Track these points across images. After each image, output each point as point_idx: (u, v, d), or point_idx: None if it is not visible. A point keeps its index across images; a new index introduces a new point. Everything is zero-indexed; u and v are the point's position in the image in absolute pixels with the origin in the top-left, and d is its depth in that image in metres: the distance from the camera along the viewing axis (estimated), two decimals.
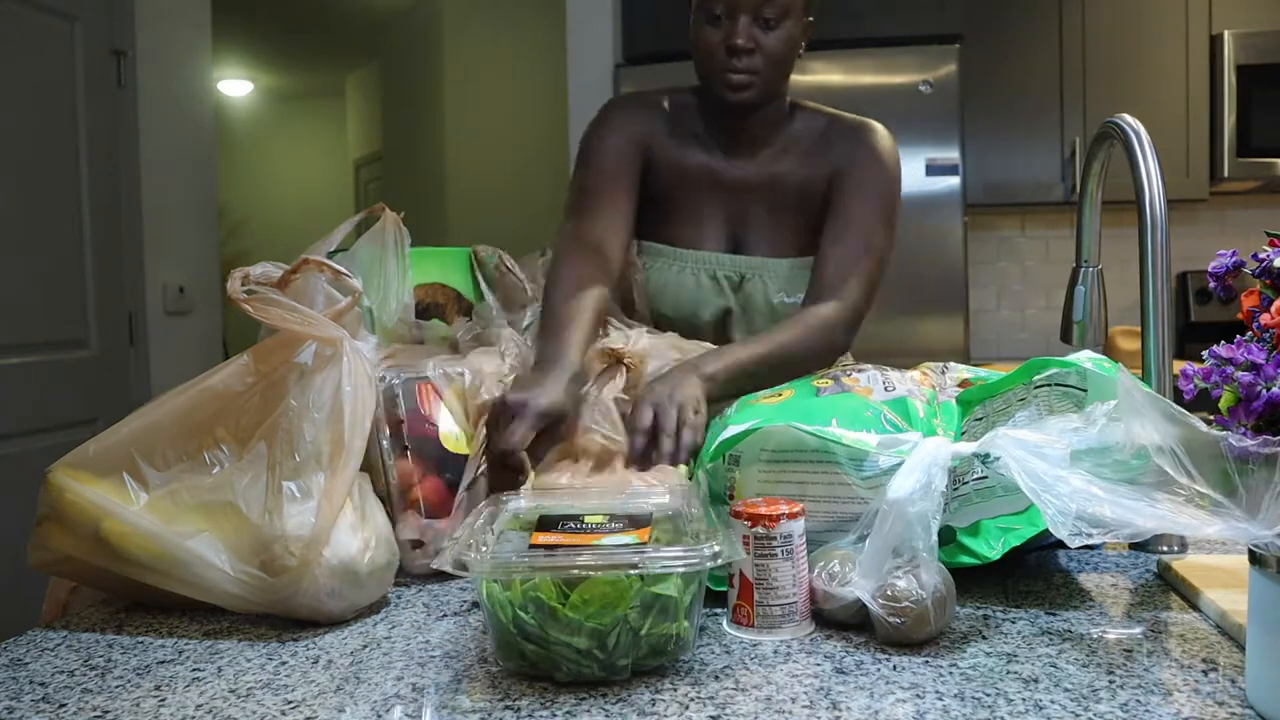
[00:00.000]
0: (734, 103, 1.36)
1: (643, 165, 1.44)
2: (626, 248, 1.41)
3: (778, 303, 1.41)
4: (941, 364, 1.08)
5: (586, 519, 0.77)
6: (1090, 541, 0.66)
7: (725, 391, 1.14)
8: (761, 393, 0.99)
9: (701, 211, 1.45)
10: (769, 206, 1.43)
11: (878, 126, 1.44)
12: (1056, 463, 0.70)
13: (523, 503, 0.85)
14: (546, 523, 0.77)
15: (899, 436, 0.83)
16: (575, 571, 0.68)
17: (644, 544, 0.71)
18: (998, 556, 0.81)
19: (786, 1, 1.33)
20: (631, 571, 0.67)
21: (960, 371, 1.06)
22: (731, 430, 0.87)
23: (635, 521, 0.76)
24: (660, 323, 1.45)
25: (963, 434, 0.93)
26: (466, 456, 1.00)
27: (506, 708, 0.64)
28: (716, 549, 0.68)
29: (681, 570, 0.68)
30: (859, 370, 0.99)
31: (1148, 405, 0.64)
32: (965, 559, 0.82)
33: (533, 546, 0.72)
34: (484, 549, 0.71)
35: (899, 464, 0.79)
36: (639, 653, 0.68)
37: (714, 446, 0.88)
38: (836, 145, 1.42)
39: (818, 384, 0.96)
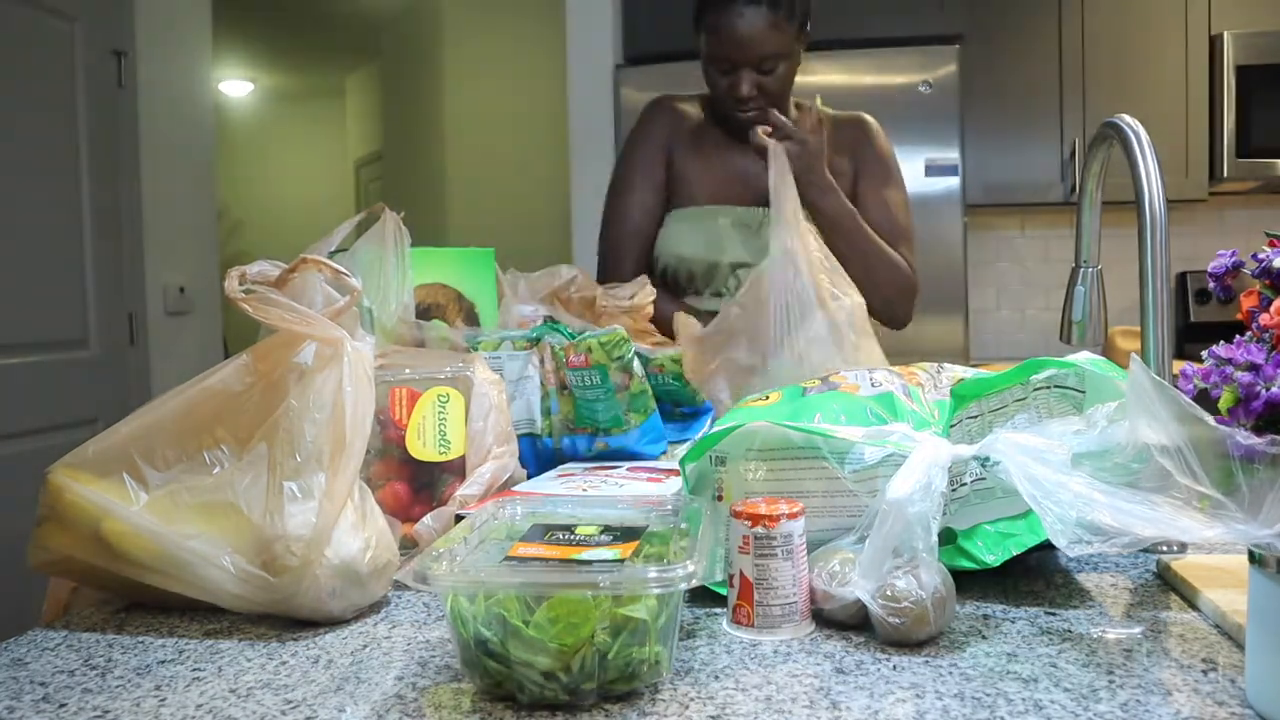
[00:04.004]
0: (745, 121, 1.65)
1: (666, 158, 1.79)
2: (651, 212, 1.79)
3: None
4: (936, 365, 1.08)
5: (578, 530, 0.74)
6: (1089, 550, 0.66)
7: (825, 202, 1.57)
8: (749, 396, 0.99)
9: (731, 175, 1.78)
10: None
11: (872, 120, 1.80)
12: (1058, 468, 0.70)
13: (519, 509, 0.81)
14: (535, 533, 0.74)
15: (884, 428, 0.83)
16: (535, 588, 0.63)
17: (622, 561, 0.67)
18: (998, 564, 0.81)
19: (779, 51, 1.60)
20: (594, 591, 0.62)
21: (955, 372, 1.06)
22: (717, 428, 0.87)
23: (626, 535, 0.73)
24: (680, 266, 1.76)
25: (952, 425, 0.93)
26: (435, 464, 0.99)
27: (506, 708, 0.64)
28: (690, 570, 0.63)
29: (655, 591, 0.63)
30: (847, 371, 1.00)
31: (1156, 396, 0.64)
32: (965, 563, 0.82)
33: (508, 558, 0.69)
34: (454, 559, 0.68)
35: (887, 455, 0.79)
36: (606, 677, 0.63)
37: (695, 444, 0.88)
38: (841, 132, 1.74)
39: (805, 385, 0.96)
